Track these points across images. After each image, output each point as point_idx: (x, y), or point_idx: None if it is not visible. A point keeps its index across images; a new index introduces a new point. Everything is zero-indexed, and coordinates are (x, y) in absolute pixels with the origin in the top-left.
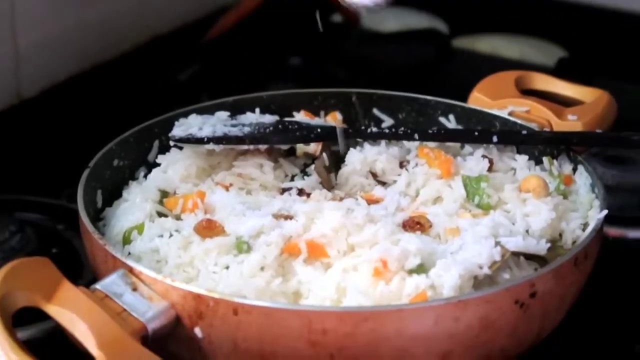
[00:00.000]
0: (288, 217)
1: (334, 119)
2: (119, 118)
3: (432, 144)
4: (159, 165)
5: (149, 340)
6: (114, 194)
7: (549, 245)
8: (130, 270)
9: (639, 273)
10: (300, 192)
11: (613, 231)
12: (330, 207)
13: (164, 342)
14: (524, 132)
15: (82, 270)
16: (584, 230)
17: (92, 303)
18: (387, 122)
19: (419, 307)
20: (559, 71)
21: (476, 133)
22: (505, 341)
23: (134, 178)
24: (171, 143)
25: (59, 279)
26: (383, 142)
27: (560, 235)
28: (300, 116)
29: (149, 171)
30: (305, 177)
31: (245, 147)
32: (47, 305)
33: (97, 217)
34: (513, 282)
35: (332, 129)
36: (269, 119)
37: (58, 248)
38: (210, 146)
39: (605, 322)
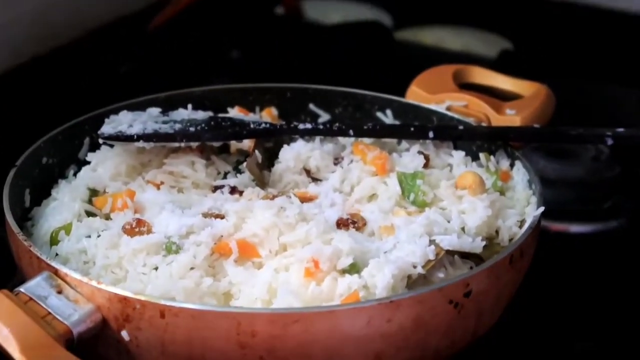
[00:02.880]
0: (219, 216)
1: (269, 115)
2: (57, 113)
3: (367, 140)
4: (89, 163)
5: (75, 343)
6: (43, 193)
7: (484, 243)
8: (56, 272)
9: (580, 268)
10: (233, 190)
11: (555, 226)
12: (261, 206)
13: (90, 345)
14: (461, 127)
15: (14, 270)
16: (520, 227)
17: (14, 307)
18: (323, 117)
19: (350, 307)
20: (501, 63)
21: (412, 128)
22: (440, 341)
23: (64, 176)
24: (100, 141)
25: None
26: (317, 139)
27: (497, 232)
28: (234, 112)
29: (79, 169)
30: (238, 175)
31: (177, 144)
32: None
33: (25, 217)
34: (447, 282)
35: (265, 125)
36: (202, 115)
37: None
38: (140, 144)
39: (545, 319)
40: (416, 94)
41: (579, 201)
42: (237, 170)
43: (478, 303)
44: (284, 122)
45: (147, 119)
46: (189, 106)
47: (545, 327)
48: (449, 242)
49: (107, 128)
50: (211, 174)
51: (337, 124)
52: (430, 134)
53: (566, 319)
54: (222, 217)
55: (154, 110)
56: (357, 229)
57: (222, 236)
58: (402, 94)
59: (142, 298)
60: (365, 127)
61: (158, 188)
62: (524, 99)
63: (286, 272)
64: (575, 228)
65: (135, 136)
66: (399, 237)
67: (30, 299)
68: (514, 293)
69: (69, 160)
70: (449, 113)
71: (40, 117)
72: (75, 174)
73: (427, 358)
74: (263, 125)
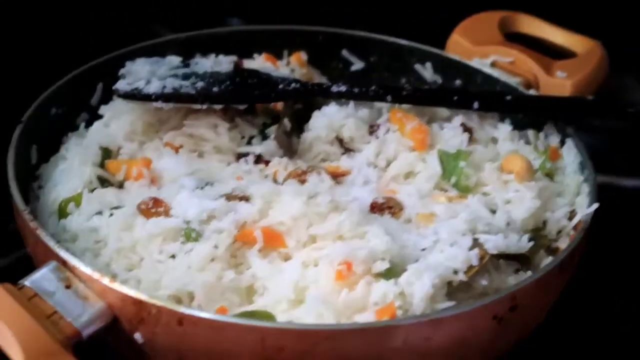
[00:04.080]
0: (243, 198)
1: (298, 60)
2: (64, 51)
3: (405, 106)
4: (101, 116)
5: (84, 343)
6: (51, 146)
7: (532, 243)
8: (64, 263)
9: (633, 227)
10: (258, 159)
11: (602, 178)
12: (290, 192)
13: (102, 338)
14: (508, 97)
15: None
16: (570, 218)
17: (18, 306)
18: (357, 65)
19: (385, 325)
20: None
21: (455, 97)
22: (480, 356)
23: (74, 126)
24: (115, 98)
25: None
26: (351, 103)
27: (544, 222)
28: (261, 61)
29: (91, 118)
30: (264, 141)
31: (199, 106)
32: None
33: (32, 175)
34: (492, 298)
35: (295, 85)
36: (226, 65)
37: None
38: (159, 104)
39: (590, 302)
40: (458, 44)
41: (630, 150)
42: (263, 135)
43: (523, 315)
44: (315, 83)
45: (166, 73)
46: (212, 56)
47: (590, 310)
48: (494, 244)
49: (123, 84)
50: (235, 138)
51: (373, 87)
52: (475, 105)
53: (612, 301)
54: (247, 199)
55: (174, 60)
56: (393, 214)
57: (245, 222)
58: (444, 35)
59: (159, 303)
60: (404, 93)
61: (176, 151)
62: (576, 58)
63: (315, 268)
64: (627, 182)
65: (153, 96)
66: (440, 233)
67: (36, 294)
68: (559, 294)
69: (79, 108)
70: (495, 74)
71: (46, 55)
72: (86, 125)
73: None
74: (293, 85)
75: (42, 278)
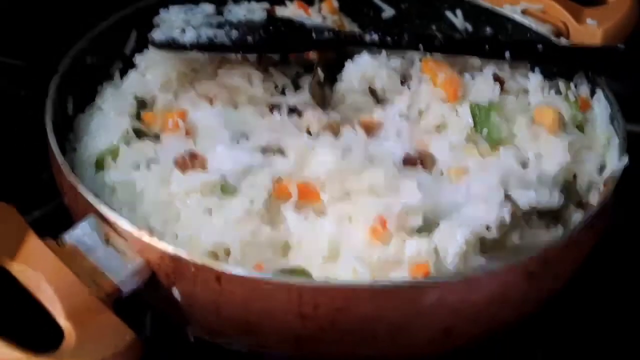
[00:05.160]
0: (278, 152)
1: (329, 7)
2: None
3: (437, 56)
4: (135, 65)
5: (122, 298)
6: (87, 96)
7: (562, 200)
8: (103, 218)
9: None
10: (291, 110)
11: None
12: (324, 147)
13: (140, 295)
14: (540, 46)
15: None
16: (600, 172)
17: (59, 262)
18: (388, 12)
19: (419, 284)
20: None
21: (487, 46)
22: (512, 312)
23: (109, 76)
24: (150, 47)
25: (24, 230)
26: (384, 53)
27: (574, 176)
28: (293, 8)
29: (125, 66)
30: (297, 92)
31: (233, 55)
32: (11, 264)
33: (68, 126)
34: (525, 256)
35: (329, 34)
36: (259, 12)
37: None
38: (194, 54)
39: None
40: None
41: None
42: (296, 85)
43: (554, 270)
44: (348, 31)
45: (201, 22)
46: (245, 3)
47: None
48: (526, 200)
49: (158, 34)
50: (268, 89)
51: (406, 36)
52: (507, 54)
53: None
54: (282, 152)
55: (208, 8)
56: (426, 167)
57: (280, 177)
58: None
59: (198, 261)
60: (436, 42)
61: (211, 103)
62: (606, 5)
63: (349, 223)
64: None
65: (189, 45)
66: (472, 188)
67: (76, 250)
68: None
69: (113, 57)
70: (525, 21)
71: (79, 4)
72: (121, 74)
73: (497, 328)
74: (326, 34)
75: (81, 233)
